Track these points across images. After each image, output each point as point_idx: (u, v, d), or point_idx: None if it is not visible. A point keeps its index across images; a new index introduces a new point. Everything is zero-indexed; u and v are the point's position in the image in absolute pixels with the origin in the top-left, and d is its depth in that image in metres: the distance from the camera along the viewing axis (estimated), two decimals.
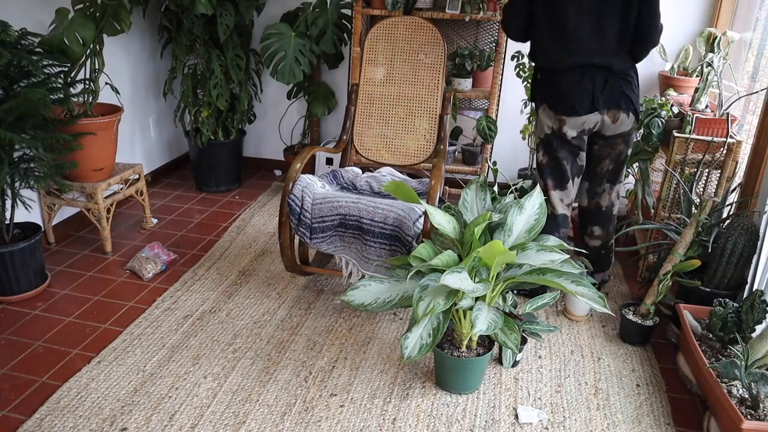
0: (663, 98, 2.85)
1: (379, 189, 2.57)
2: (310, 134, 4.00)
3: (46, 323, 2.40)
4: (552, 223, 2.45)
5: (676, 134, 2.59)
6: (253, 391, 2.05)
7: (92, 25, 2.63)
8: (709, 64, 2.73)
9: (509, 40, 2.81)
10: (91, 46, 2.71)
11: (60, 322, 2.41)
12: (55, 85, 2.47)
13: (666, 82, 3.22)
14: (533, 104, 3.23)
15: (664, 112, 2.73)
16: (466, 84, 3.36)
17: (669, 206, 2.74)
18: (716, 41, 3.02)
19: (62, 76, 2.63)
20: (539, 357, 2.28)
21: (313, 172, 3.82)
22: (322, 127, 4.05)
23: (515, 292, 2.54)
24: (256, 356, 2.22)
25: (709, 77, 2.73)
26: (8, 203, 2.51)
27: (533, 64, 2.47)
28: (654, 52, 3.40)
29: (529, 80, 3.17)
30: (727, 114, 2.55)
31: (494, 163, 2.69)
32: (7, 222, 2.52)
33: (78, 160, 2.68)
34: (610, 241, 2.63)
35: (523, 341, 2.22)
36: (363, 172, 2.72)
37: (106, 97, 3.04)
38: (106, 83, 2.96)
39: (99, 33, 2.69)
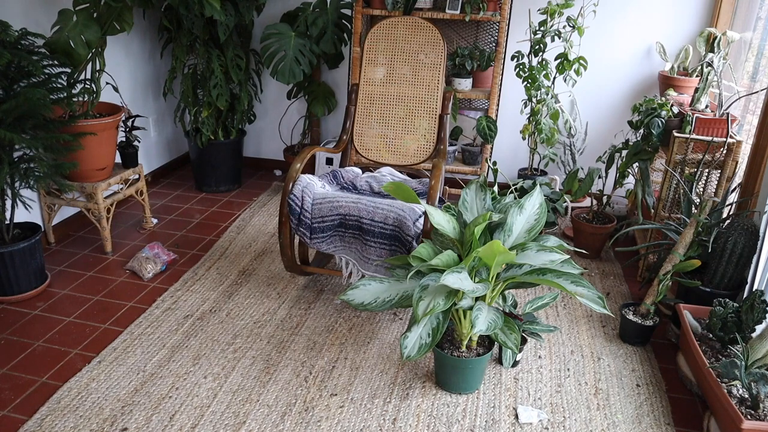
0: (663, 98, 2.85)
1: (379, 189, 2.57)
2: (310, 134, 4.00)
3: (46, 323, 2.40)
4: None
5: (676, 134, 2.59)
6: (253, 391, 2.05)
7: (97, 28, 2.62)
8: (709, 64, 2.73)
9: (509, 39, 2.77)
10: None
11: (60, 322, 2.41)
12: (55, 86, 2.47)
13: (666, 82, 3.22)
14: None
15: (664, 112, 2.73)
16: (466, 84, 3.36)
17: (669, 206, 2.74)
18: (716, 41, 3.02)
19: (63, 77, 2.63)
20: (539, 357, 2.28)
21: (313, 172, 3.82)
22: (322, 127, 4.05)
23: None
24: (256, 356, 2.22)
25: (709, 77, 2.73)
26: (8, 203, 2.51)
27: None
28: (654, 52, 3.40)
29: (530, 80, 3.16)
30: (727, 114, 2.55)
31: (494, 163, 2.69)
32: (7, 222, 2.52)
33: (80, 160, 2.68)
34: None
35: (523, 341, 2.22)
36: (363, 172, 2.72)
37: (106, 96, 3.04)
38: (107, 83, 2.96)
39: (103, 34, 2.69)
